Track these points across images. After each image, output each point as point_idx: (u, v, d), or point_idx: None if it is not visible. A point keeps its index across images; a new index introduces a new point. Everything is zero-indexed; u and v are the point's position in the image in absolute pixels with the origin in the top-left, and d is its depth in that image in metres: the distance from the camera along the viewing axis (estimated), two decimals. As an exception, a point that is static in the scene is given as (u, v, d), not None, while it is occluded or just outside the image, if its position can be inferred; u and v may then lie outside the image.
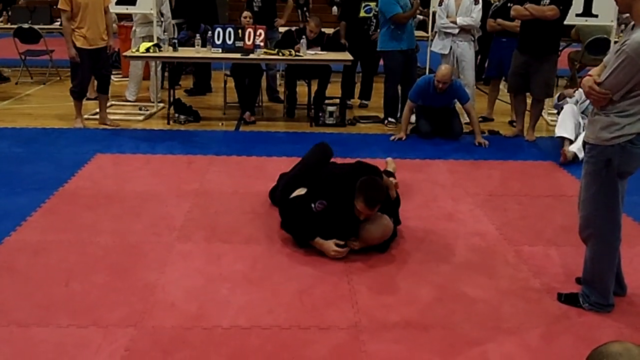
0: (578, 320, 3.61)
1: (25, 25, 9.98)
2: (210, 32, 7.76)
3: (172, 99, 7.93)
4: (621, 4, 3.39)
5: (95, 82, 7.67)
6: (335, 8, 15.41)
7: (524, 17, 6.90)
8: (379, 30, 8.51)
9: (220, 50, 7.61)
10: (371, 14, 8.43)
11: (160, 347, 3.25)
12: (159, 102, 8.47)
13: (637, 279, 4.01)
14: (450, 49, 7.82)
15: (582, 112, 6.69)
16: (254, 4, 8.61)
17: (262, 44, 7.58)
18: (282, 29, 8.93)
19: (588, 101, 6.49)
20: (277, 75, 9.37)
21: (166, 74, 8.96)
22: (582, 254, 3.77)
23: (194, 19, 9.00)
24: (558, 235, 4.73)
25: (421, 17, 10.01)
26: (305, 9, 12.41)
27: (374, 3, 8.35)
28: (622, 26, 8.42)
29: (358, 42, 8.47)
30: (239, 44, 7.59)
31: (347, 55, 7.87)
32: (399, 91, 7.89)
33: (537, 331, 3.50)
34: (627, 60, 3.25)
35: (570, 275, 4.07)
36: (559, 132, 6.63)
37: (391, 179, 5.00)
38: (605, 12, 7.52)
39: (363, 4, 8.44)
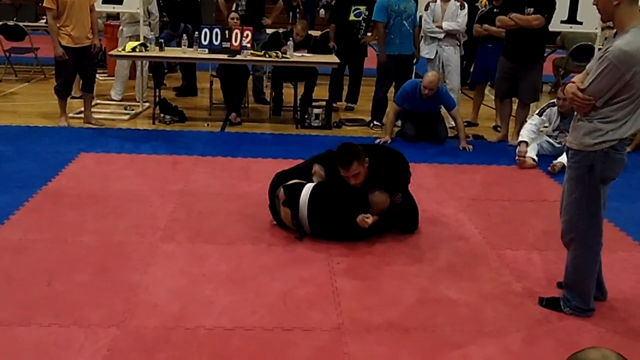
0: (559, 324, 3.64)
1: (11, 23, 9.91)
2: (190, 31, 7.75)
3: (157, 98, 7.91)
4: (603, 12, 3.42)
5: (81, 80, 7.63)
6: (322, 11, 15.49)
7: (510, 27, 6.97)
8: (368, 34, 8.56)
9: (206, 50, 7.60)
10: (360, 18, 8.45)
11: (143, 347, 3.24)
12: (145, 101, 8.44)
13: (617, 284, 4.05)
14: (436, 53, 7.86)
15: (554, 130, 6.83)
16: (239, 8, 8.61)
17: (248, 45, 7.59)
18: (269, 31, 8.94)
19: (558, 121, 6.65)
20: (264, 77, 9.37)
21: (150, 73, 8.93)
22: (563, 258, 3.81)
23: (175, 19, 9.00)
24: (540, 240, 4.77)
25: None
26: (297, 10, 12.44)
27: (364, 7, 8.38)
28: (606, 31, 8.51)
29: (347, 45, 8.49)
30: (226, 44, 7.58)
31: (333, 58, 7.89)
32: (390, 95, 7.91)
33: (518, 335, 3.52)
34: (609, 67, 3.29)
35: (551, 280, 4.10)
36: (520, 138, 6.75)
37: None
38: (590, 20, 7.58)
39: (353, 8, 8.46)
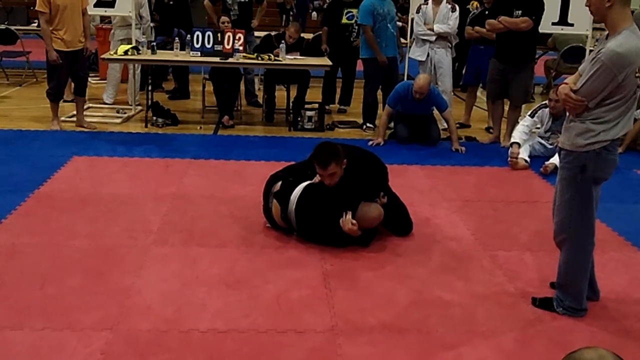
0: (552, 324, 3.66)
1: (2, 26, 9.89)
2: (183, 35, 7.74)
3: (150, 101, 7.89)
4: (596, 13, 3.44)
5: (73, 84, 7.61)
6: (315, 14, 15.50)
7: (499, 30, 7.02)
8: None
9: (199, 53, 7.59)
10: (353, 21, 8.46)
11: (136, 351, 3.23)
12: (137, 105, 8.43)
13: (609, 284, 4.07)
14: (428, 55, 7.88)
15: (546, 132, 6.85)
16: (231, 12, 8.61)
17: (241, 48, 7.59)
18: (260, 34, 8.94)
19: (550, 123, 6.68)
20: (256, 80, 9.37)
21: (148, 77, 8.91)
22: (556, 259, 3.82)
23: (167, 23, 9.00)
24: (533, 241, 4.78)
25: (400, 24, 10.08)
26: (291, 13, 12.43)
27: (356, 10, 8.38)
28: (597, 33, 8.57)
29: (339, 48, 8.51)
30: (218, 47, 7.58)
31: (325, 61, 7.90)
32: (380, 97, 7.93)
33: (511, 335, 3.53)
34: (602, 69, 3.30)
35: (544, 280, 4.11)
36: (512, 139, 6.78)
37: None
38: (581, 21, 7.62)
39: (345, 11, 8.48)
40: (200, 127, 7.77)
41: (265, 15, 9.15)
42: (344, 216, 4.38)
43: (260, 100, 8.78)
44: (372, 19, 7.58)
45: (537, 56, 7.69)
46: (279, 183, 4.68)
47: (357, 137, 7.63)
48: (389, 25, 7.66)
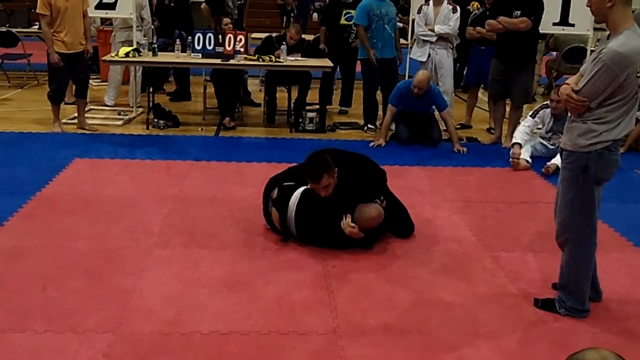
0: (554, 325, 3.65)
1: (3, 29, 9.90)
2: (184, 37, 7.75)
3: (151, 103, 7.90)
4: (597, 14, 3.44)
5: (74, 86, 7.61)
6: (315, 15, 15.52)
7: (498, 30, 7.03)
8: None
9: (200, 55, 7.60)
10: (352, 22, 8.45)
11: (138, 353, 3.23)
12: (138, 107, 8.43)
13: (612, 285, 4.06)
14: (429, 56, 7.87)
15: (548, 132, 6.85)
16: (231, 17, 8.61)
17: (242, 49, 7.59)
18: (261, 35, 8.94)
19: (551, 123, 6.67)
20: (257, 81, 9.34)
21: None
22: (558, 260, 3.81)
23: (168, 25, 9.00)
24: (535, 242, 4.78)
25: (401, 24, 10.08)
26: (292, 15, 12.46)
27: (355, 11, 8.38)
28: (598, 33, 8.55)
29: (338, 48, 8.51)
30: (219, 49, 7.58)
31: (327, 62, 7.90)
32: (380, 99, 7.92)
33: (513, 336, 3.52)
34: (603, 69, 3.30)
35: (546, 281, 4.11)
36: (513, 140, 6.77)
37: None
38: (582, 22, 7.61)
39: (344, 11, 8.48)
40: (202, 129, 7.77)
41: (266, 17, 9.17)
42: (343, 220, 4.38)
43: (261, 102, 8.77)
44: (366, 19, 7.57)
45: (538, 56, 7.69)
46: (276, 190, 4.67)
47: (359, 138, 7.63)
48: (386, 26, 7.64)
